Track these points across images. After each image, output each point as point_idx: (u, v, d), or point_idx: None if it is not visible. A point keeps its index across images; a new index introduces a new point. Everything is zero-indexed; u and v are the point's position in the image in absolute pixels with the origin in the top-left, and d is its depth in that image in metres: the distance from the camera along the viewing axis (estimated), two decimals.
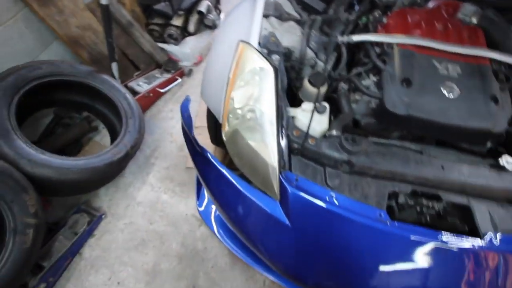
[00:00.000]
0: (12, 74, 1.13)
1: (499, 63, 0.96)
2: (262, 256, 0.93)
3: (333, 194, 0.82)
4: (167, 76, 1.84)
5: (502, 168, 0.85)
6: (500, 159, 0.85)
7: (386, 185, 0.86)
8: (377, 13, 1.08)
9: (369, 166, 0.84)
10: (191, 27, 1.87)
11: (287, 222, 0.83)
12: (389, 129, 1.05)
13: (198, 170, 1.02)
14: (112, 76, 1.48)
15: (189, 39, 1.89)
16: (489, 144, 0.97)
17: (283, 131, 0.88)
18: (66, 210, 1.35)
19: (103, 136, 1.64)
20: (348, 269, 0.83)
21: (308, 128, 0.80)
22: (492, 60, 0.95)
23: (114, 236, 1.34)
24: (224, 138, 0.93)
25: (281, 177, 0.83)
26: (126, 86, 1.64)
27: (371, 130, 1.06)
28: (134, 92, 1.66)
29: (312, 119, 0.85)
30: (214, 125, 1.24)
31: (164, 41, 1.89)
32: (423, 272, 0.80)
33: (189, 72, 1.94)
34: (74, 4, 1.42)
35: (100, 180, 1.30)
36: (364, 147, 0.85)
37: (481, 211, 0.84)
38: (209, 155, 0.93)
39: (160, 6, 1.76)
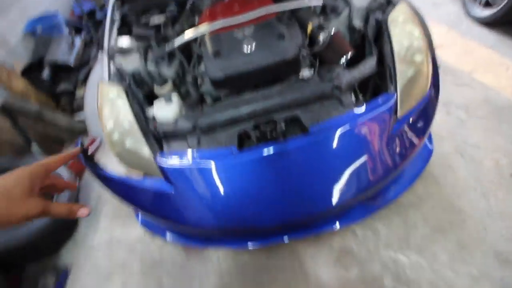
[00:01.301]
0: None
1: (283, 12, 1.28)
2: (182, 226, 1.13)
3: (195, 152, 1.07)
4: (91, 138, 2.09)
5: (304, 80, 1.14)
6: (300, 75, 1.14)
7: (234, 129, 1.12)
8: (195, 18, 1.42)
9: (212, 121, 1.10)
10: None
11: (172, 190, 1.06)
12: (232, 91, 1.30)
13: (104, 185, 1.22)
14: (34, 155, 1.72)
15: None
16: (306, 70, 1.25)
17: (147, 127, 1.14)
18: (38, 278, 1.51)
19: None
20: (229, 204, 1.05)
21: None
22: (278, 12, 1.27)
23: (83, 282, 1.50)
24: (114, 155, 1.17)
25: (156, 160, 1.08)
26: None
27: (223, 97, 1.32)
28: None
29: (159, 110, 1.12)
30: None
31: (78, 111, 2.17)
32: (284, 175, 1.03)
33: None
34: None
35: (50, 238, 1.48)
36: (202, 110, 1.12)
37: (305, 114, 1.10)
38: (100, 170, 1.16)
39: (62, 87, 2.06)
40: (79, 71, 2.11)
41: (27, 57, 2.20)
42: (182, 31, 1.36)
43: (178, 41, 1.27)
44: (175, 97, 1.20)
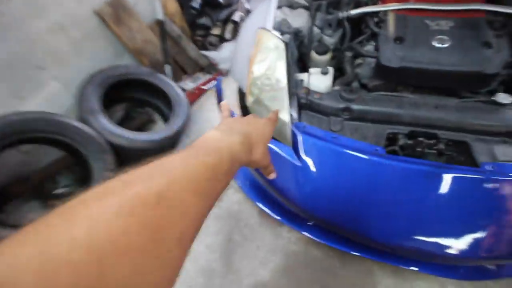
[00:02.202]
0: (99, 74, 1.57)
1: (495, 14, 1.03)
2: (283, 197, 1.11)
3: (335, 136, 0.99)
4: (209, 76, 2.19)
5: (498, 104, 0.91)
6: (494, 97, 0.92)
7: (385, 128, 0.99)
8: None
9: (366, 110, 0.99)
10: (227, 35, 2.22)
11: (298, 162, 1.01)
12: (396, 89, 1.17)
13: None
14: (166, 75, 1.87)
15: (226, 45, 2.23)
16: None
17: (293, 91, 1.09)
18: None
19: (160, 127, 2.03)
20: (352, 201, 0.97)
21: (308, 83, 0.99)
22: (487, 12, 1.03)
23: None
24: (248, 104, 1.17)
25: (292, 127, 1.03)
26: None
27: (378, 91, 1.19)
28: (183, 90, 2.03)
29: (312, 78, 1.05)
30: (242, 98, 1.50)
31: (206, 49, 2.26)
32: (419, 199, 0.89)
33: (227, 72, 2.27)
34: (139, 23, 1.87)
35: (158, 152, 1.64)
36: (360, 95, 1.00)
37: (479, 145, 0.90)
38: (235, 115, 1.17)
39: (202, 20, 2.15)
40: (221, 10, 2.17)
41: None
42: (359, 1, 1.22)
43: (356, 11, 1.14)
44: (331, 70, 1.11)
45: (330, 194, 0.99)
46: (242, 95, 1.42)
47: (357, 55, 1.16)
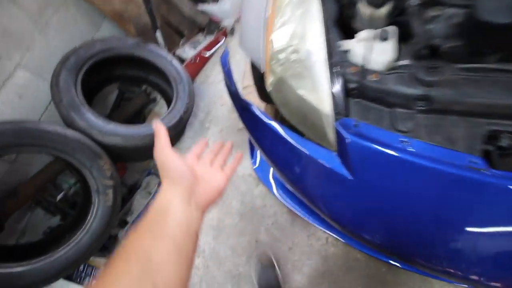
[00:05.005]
0: (72, 55, 1.24)
1: None
2: (322, 214, 0.86)
3: (405, 139, 0.67)
4: (211, 38, 1.78)
5: None
6: None
7: (482, 124, 0.66)
8: None
9: (455, 100, 0.65)
10: None
11: (348, 175, 0.73)
12: (483, 53, 0.78)
13: (246, 126, 0.97)
14: (158, 44, 1.49)
15: None
16: None
17: (336, 69, 0.74)
18: (140, 173, 1.51)
19: (162, 106, 1.73)
20: (428, 230, 0.70)
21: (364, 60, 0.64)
22: None
23: None
24: (268, 88, 0.84)
25: (336, 125, 0.72)
26: (173, 55, 1.65)
27: (456, 57, 0.81)
28: (181, 60, 1.67)
29: (371, 48, 0.69)
30: (259, 79, 1.16)
31: (203, 1, 1.80)
32: None
33: (232, 30, 1.83)
34: None
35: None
36: (448, 75, 0.65)
37: None
38: (253, 109, 0.86)
39: None
40: None
41: None
42: None
43: None
44: (394, 34, 0.73)
45: (394, 219, 0.72)
46: (257, 72, 1.08)
47: (430, 3, 0.76)
